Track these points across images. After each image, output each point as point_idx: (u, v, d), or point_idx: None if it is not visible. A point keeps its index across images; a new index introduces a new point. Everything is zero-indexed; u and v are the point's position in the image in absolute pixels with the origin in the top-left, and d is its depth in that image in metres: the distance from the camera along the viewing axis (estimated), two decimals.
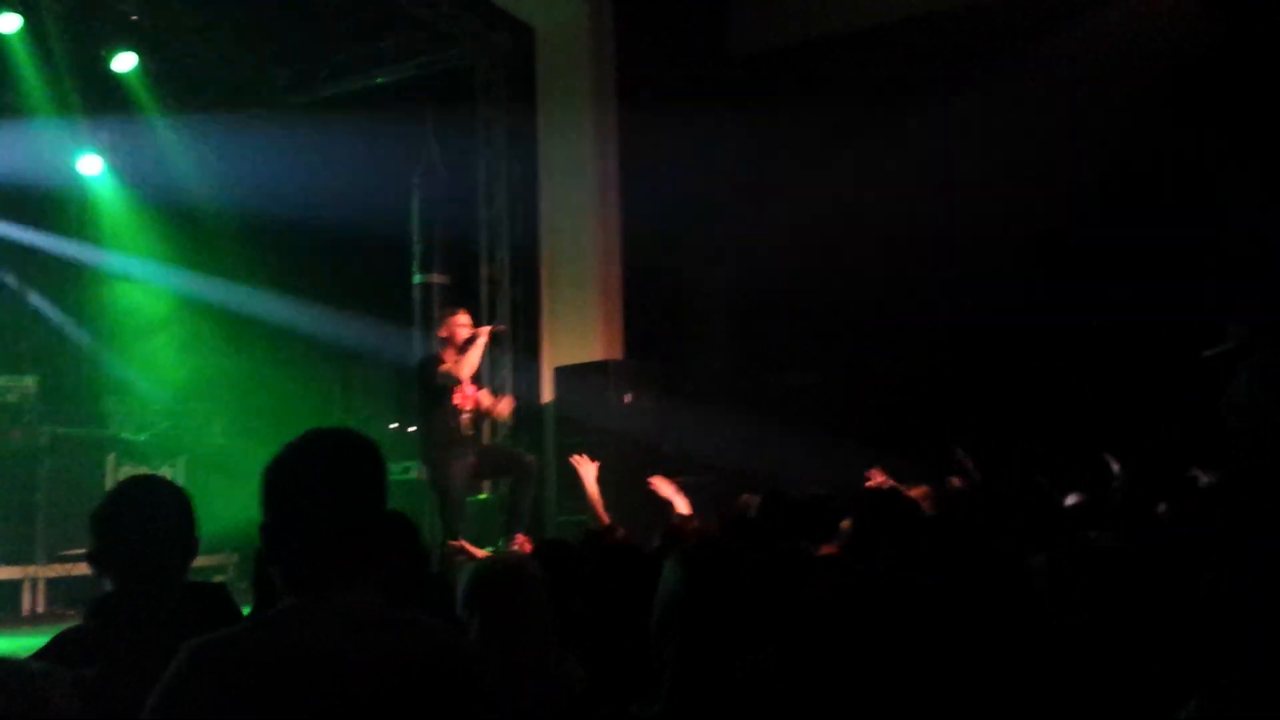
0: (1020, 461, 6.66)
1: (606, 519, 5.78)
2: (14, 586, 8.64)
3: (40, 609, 8.61)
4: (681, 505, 5.83)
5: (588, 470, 6.19)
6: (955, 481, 6.36)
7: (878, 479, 6.51)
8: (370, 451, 2.01)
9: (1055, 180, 8.74)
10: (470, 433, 7.36)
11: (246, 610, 2.79)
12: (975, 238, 8.92)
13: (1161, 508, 4.18)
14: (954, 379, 8.89)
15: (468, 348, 7.33)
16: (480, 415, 7.54)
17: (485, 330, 7.48)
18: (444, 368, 7.18)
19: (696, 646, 2.05)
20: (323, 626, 1.84)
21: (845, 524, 3.95)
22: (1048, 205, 8.72)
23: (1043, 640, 2.49)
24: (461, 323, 7.43)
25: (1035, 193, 8.77)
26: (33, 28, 9.64)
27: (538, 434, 9.84)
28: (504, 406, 7.58)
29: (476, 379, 7.59)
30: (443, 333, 7.48)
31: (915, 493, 5.87)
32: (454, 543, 6.30)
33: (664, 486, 6.06)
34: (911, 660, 2.36)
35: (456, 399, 7.31)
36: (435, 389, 7.19)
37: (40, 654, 2.41)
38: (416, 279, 10.31)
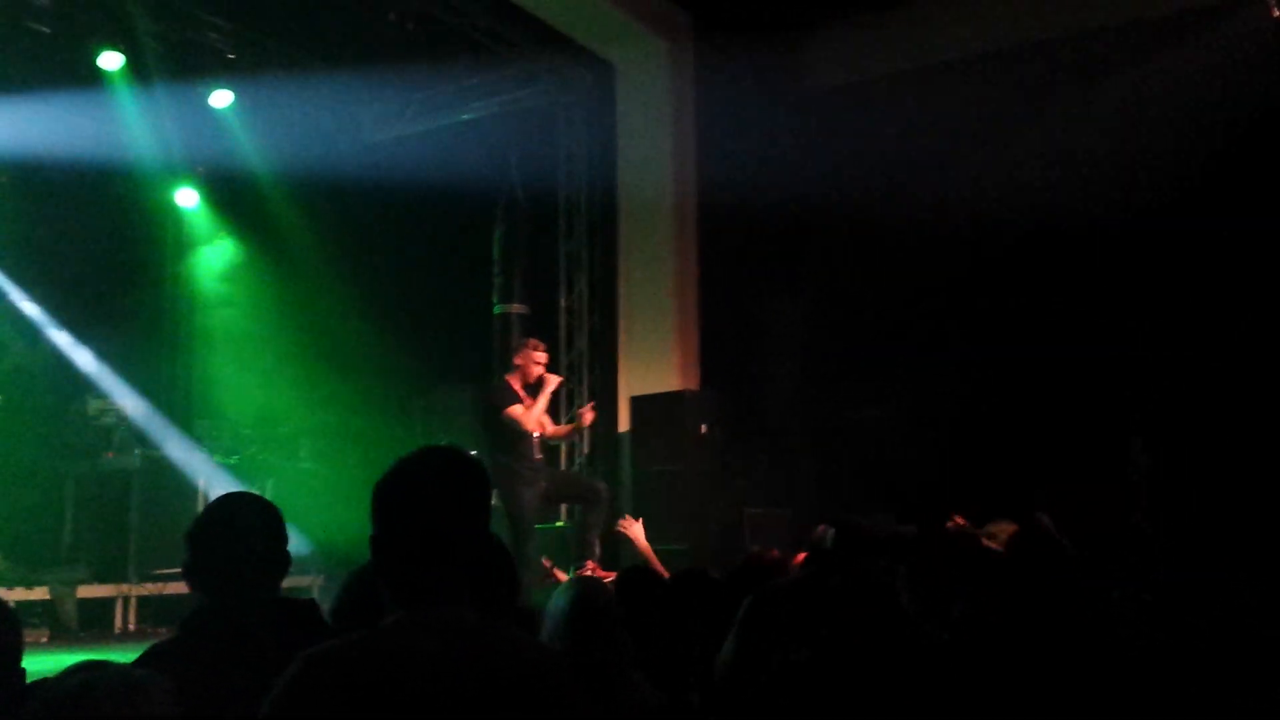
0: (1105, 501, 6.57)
1: (665, 572, 5.87)
2: (107, 604, 8.87)
3: (132, 626, 8.82)
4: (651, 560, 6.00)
5: (636, 530, 6.34)
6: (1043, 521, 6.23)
7: (958, 524, 6.44)
8: (478, 471, 2.05)
9: (1133, 217, 8.63)
10: (540, 458, 7.36)
11: None
12: (1050, 274, 8.86)
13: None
14: (1026, 415, 8.81)
15: (538, 388, 7.35)
16: (549, 441, 7.61)
17: (556, 380, 7.51)
18: (513, 413, 7.18)
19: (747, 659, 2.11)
20: (430, 640, 1.87)
21: None
22: (1123, 242, 8.62)
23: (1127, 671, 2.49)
24: (538, 359, 7.45)
25: (1111, 229, 8.67)
26: (134, 65, 10.03)
27: (614, 462, 9.93)
28: (588, 415, 7.69)
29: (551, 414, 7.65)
30: (518, 360, 7.52)
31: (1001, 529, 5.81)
32: (546, 562, 6.41)
33: (633, 529, 6.30)
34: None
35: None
36: (503, 420, 7.22)
37: (134, 665, 2.42)
38: (496, 309, 10.46)
